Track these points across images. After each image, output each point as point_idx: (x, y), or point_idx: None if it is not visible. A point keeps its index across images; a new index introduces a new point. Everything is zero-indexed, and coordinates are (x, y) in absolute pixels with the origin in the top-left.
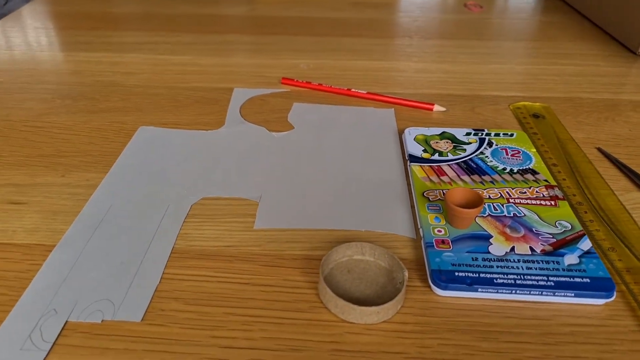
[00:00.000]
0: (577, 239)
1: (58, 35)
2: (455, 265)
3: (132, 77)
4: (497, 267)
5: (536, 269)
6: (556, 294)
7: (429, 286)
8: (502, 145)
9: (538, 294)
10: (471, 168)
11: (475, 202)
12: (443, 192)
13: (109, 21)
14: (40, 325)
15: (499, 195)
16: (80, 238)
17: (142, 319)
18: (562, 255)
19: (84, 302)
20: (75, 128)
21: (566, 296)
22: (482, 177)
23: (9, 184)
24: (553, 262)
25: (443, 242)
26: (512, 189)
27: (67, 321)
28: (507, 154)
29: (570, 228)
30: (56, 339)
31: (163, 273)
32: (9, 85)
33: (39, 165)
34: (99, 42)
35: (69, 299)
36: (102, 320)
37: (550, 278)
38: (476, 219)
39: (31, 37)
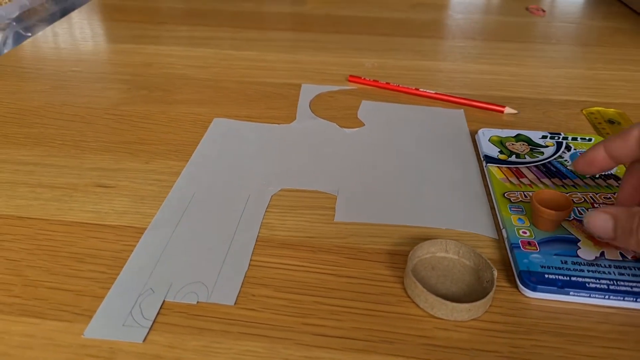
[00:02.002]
0: None
1: (125, 28)
2: (545, 267)
3: (203, 70)
4: (588, 271)
5: (629, 275)
6: None
7: (516, 287)
8: (580, 150)
9: (632, 301)
10: (551, 171)
11: (563, 205)
12: (524, 194)
13: (173, 16)
14: (140, 303)
15: (583, 199)
16: (168, 222)
17: (235, 303)
18: None
19: (178, 283)
20: (153, 117)
21: None
22: (563, 180)
23: (97, 168)
24: None
25: (529, 243)
26: (596, 193)
27: (164, 301)
28: None
29: None
30: (156, 317)
31: (250, 260)
32: (87, 75)
33: (122, 151)
34: (167, 36)
35: (164, 279)
36: (198, 302)
37: None
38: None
39: (100, 29)
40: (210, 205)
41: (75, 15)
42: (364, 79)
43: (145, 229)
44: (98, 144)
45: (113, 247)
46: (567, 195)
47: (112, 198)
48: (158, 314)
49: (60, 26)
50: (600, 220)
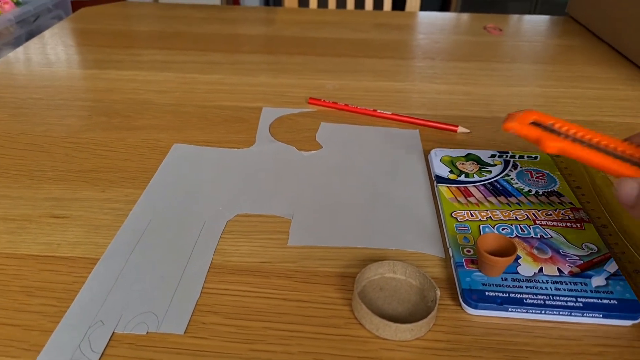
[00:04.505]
0: (604, 261)
1: (90, 52)
2: (486, 284)
3: (164, 95)
4: (527, 287)
5: (565, 290)
6: (585, 314)
7: (460, 305)
8: (526, 168)
9: (567, 315)
10: (497, 189)
11: (507, 249)
12: (471, 213)
13: (138, 39)
14: (89, 336)
15: (526, 217)
16: (122, 252)
17: (184, 332)
18: (590, 277)
19: (129, 314)
20: (112, 144)
21: (594, 317)
22: (509, 198)
23: (51, 198)
24: (581, 283)
25: (472, 262)
26: (538, 210)
27: (113, 332)
28: (532, 177)
29: (596, 250)
30: (104, 349)
31: (203, 287)
32: (47, 102)
33: (79, 180)
34: (130, 60)
35: (115, 310)
36: (147, 332)
37: (579, 299)
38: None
39: (64, 54)
40: (165, 233)
41: (39, 40)
42: (323, 101)
43: (98, 259)
44: (54, 174)
45: (65, 279)
46: (511, 238)
47: (66, 229)
48: (107, 346)
49: (23, 51)
50: (627, 187)
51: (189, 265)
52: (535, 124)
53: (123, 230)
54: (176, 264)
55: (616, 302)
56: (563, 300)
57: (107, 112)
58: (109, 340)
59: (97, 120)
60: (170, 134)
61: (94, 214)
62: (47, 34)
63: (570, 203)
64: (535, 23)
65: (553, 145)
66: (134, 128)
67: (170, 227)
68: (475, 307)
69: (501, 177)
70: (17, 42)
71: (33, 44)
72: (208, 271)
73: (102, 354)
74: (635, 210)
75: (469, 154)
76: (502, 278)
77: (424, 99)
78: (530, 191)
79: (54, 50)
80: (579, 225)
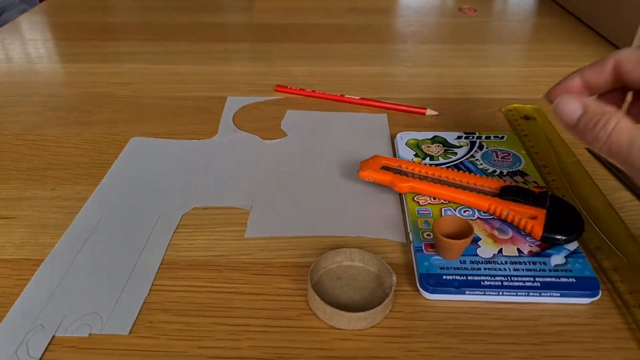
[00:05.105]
0: None
1: (53, 46)
2: (444, 268)
3: (126, 87)
4: (485, 269)
5: (523, 270)
6: (542, 294)
7: (418, 290)
8: (492, 148)
9: (525, 295)
10: (462, 171)
11: (465, 231)
12: (433, 197)
13: (106, 31)
14: (27, 341)
15: None
16: (68, 252)
17: (130, 332)
18: (549, 256)
19: (72, 316)
20: (66, 140)
21: (552, 296)
22: None
23: None
24: (540, 262)
25: (432, 246)
26: None
27: (54, 336)
28: (497, 157)
29: None
30: (42, 354)
31: (152, 285)
32: (3, 99)
33: (28, 179)
34: (93, 52)
35: (56, 313)
36: (90, 334)
37: (537, 279)
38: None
39: (26, 49)
40: (116, 230)
41: None
42: (290, 88)
43: (43, 260)
44: (3, 173)
45: (6, 282)
46: (469, 220)
47: (12, 230)
48: (45, 350)
49: None
50: (569, 107)
51: (139, 262)
52: (385, 167)
53: (72, 229)
54: (126, 262)
55: (574, 280)
56: (521, 281)
57: (63, 107)
58: (49, 344)
59: (53, 115)
60: (129, 127)
61: (42, 213)
62: (5, 29)
63: (535, 182)
64: (511, 3)
65: (404, 185)
66: (91, 122)
67: (123, 224)
68: (433, 292)
69: (466, 159)
70: None
71: None
72: (159, 267)
73: (40, 358)
74: (576, 130)
75: (435, 137)
76: (460, 261)
77: (396, 82)
78: (494, 172)
79: (12, 45)
80: None
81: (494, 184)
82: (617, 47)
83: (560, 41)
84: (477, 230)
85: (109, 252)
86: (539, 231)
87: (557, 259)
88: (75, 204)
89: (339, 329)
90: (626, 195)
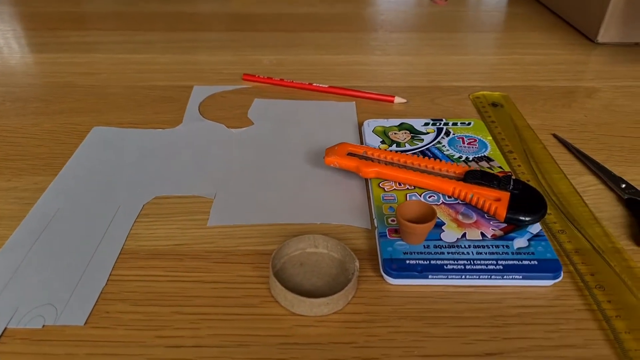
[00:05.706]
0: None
1: (16, 36)
2: (407, 253)
3: (89, 77)
4: (448, 253)
5: (486, 253)
6: (504, 277)
7: (382, 276)
8: (459, 134)
9: (487, 278)
10: (427, 157)
11: (428, 216)
12: (399, 183)
13: (74, 21)
14: None
15: None
16: (24, 243)
17: (85, 323)
18: (512, 239)
19: (25, 307)
20: (25, 131)
21: (514, 279)
22: None
23: None
24: (503, 246)
25: (396, 231)
26: None
27: (5, 328)
28: (463, 143)
29: None
30: None
31: (110, 275)
32: None
33: None
34: (58, 42)
35: (9, 305)
36: (44, 326)
37: (499, 262)
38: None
39: None
40: (74, 220)
41: None
42: (258, 76)
43: None
44: None
45: None
46: (432, 204)
47: None
48: None
49: None
50: None
51: (97, 252)
52: (351, 154)
53: (28, 220)
54: (83, 252)
55: (536, 263)
56: (483, 264)
57: (23, 97)
58: (0, 336)
59: (12, 106)
60: (92, 117)
61: None
62: None
63: (500, 167)
64: None
65: (370, 170)
66: (52, 112)
67: (81, 214)
68: (396, 277)
69: (433, 145)
70: None
71: None
72: (118, 257)
73: None
74: None
75: (402, 124)
76: (424, 246)
77: (365, 71)
78: (460, 157)
79: None
80: None
81: (459, 169)
82: (583, 35)
83: (529, 30)
84: (441, 215)
85: (67, 242)
86: (502, 212)
87: (520, 242)
88: (32, 194)
89: (301, 315)
90: (590, 179)
